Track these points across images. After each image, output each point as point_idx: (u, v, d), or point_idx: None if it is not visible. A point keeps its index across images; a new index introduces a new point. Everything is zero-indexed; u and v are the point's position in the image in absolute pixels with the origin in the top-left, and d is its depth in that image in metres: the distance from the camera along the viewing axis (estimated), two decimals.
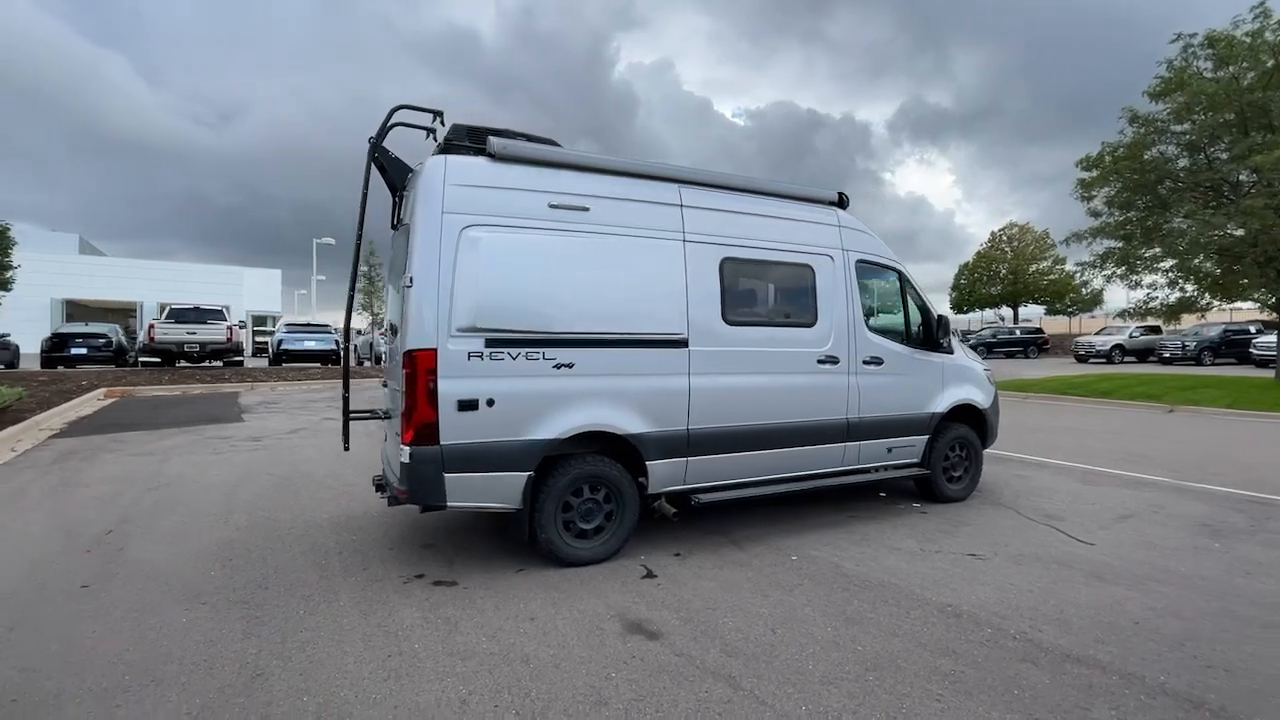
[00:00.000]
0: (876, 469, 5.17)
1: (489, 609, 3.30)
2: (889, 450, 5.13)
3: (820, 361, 4.73)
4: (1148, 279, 16.92)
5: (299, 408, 12.08)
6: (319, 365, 20.52)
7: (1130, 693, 2.56)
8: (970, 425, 5.64)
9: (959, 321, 44.84)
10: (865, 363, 4.95)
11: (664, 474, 4.15)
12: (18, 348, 19.47)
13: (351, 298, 4.12)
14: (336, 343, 22.16)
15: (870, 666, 2.75)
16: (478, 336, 3.61)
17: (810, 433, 4.67)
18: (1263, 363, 20.73)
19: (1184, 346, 24.61)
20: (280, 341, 21.17)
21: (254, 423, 10.12)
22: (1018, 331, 34.63)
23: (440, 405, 3.50)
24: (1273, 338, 19.40)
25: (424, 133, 4.19)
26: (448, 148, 3.84)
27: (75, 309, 36.79)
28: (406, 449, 3.51)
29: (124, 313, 37.63)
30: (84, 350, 18.22)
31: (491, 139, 3.81)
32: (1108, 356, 26.49)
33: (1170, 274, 16.46)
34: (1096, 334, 29.59)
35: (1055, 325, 42.55)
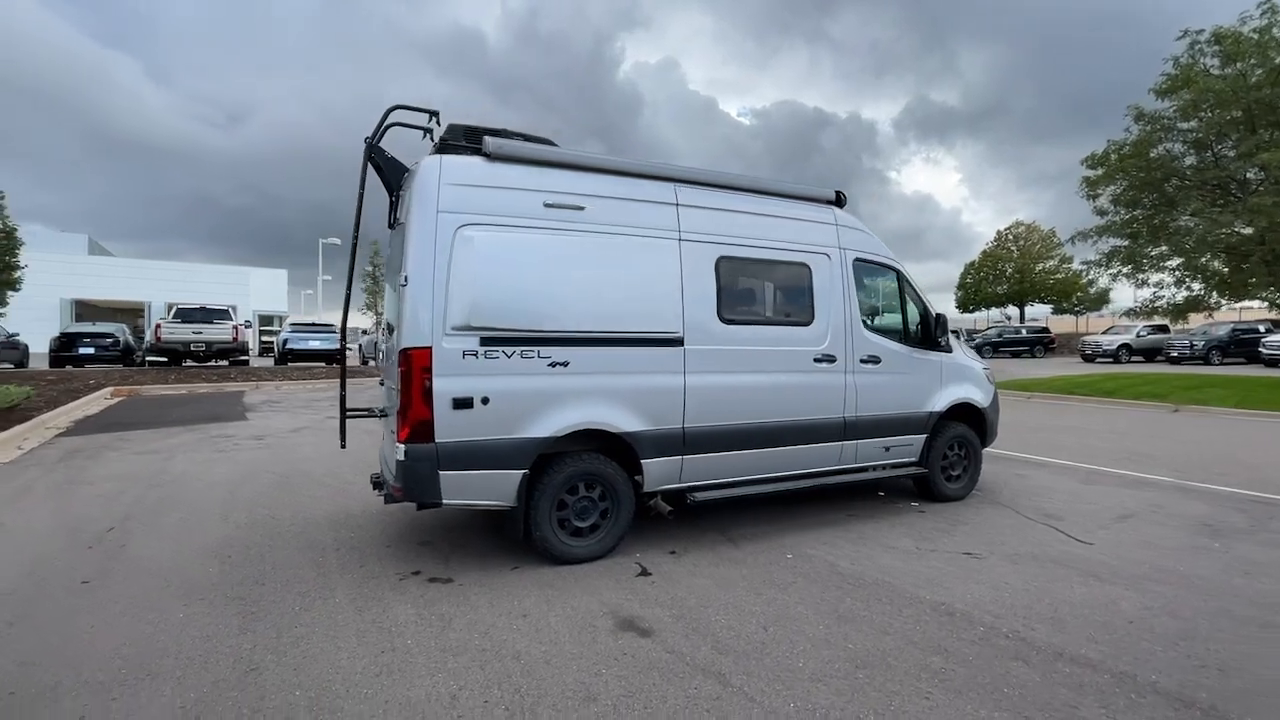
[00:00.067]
0: (874, 468, 5.17)
1: (483, 606, 3.32)
2: (887, 449, 5.12)
3: (817, 360, 4.73)
4: (1154, 278, 16.84)
5: (303, 407, 12.15)
6: (324, 365, 20.62)
7: (1120, 691, 2.56)
8: (969, 424, 5.62)
9: (965, 321, 44.65)
10: (862, 361, 4.94)
11: (659, 472, 4.16)
12: (26, 347, 19.64)
13: (348, 297, 4.15)
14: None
15: (860, 664, 2.75)
16: (473, 335, 3.63)
17: (807, 431, 4.67)
18: (1272, 362, 20.56)
19: (1192, 346, 24.40)
20: (285, 341, 21.30)
21: (257, 421, 10.19)
22: (1024, 331, 34.45)
23: (435, 403, 3.52)
24: None
25: (421, 133, 4.22)
26: (444, 147, 3.86)
27: (84, 309, 37.10)
28: (402, 447, 3.53)
29: (132, 313, 37.94)
30: (92, 350, 18.38)
31: (487, 139, 3.83)
32: (1115, 356, 26.31)
33: (1177, 273, 16.37)
34: (1103, 333, 29.41)
35: (1062, 325, 42.28)
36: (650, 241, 4.18)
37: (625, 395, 4.01)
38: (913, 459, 5.30)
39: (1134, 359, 26.23)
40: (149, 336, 19.58)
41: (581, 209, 3.98)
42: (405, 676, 2.62)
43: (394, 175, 4.13)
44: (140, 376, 15.93)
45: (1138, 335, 26.80)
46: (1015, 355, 31.94)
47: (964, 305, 46.14)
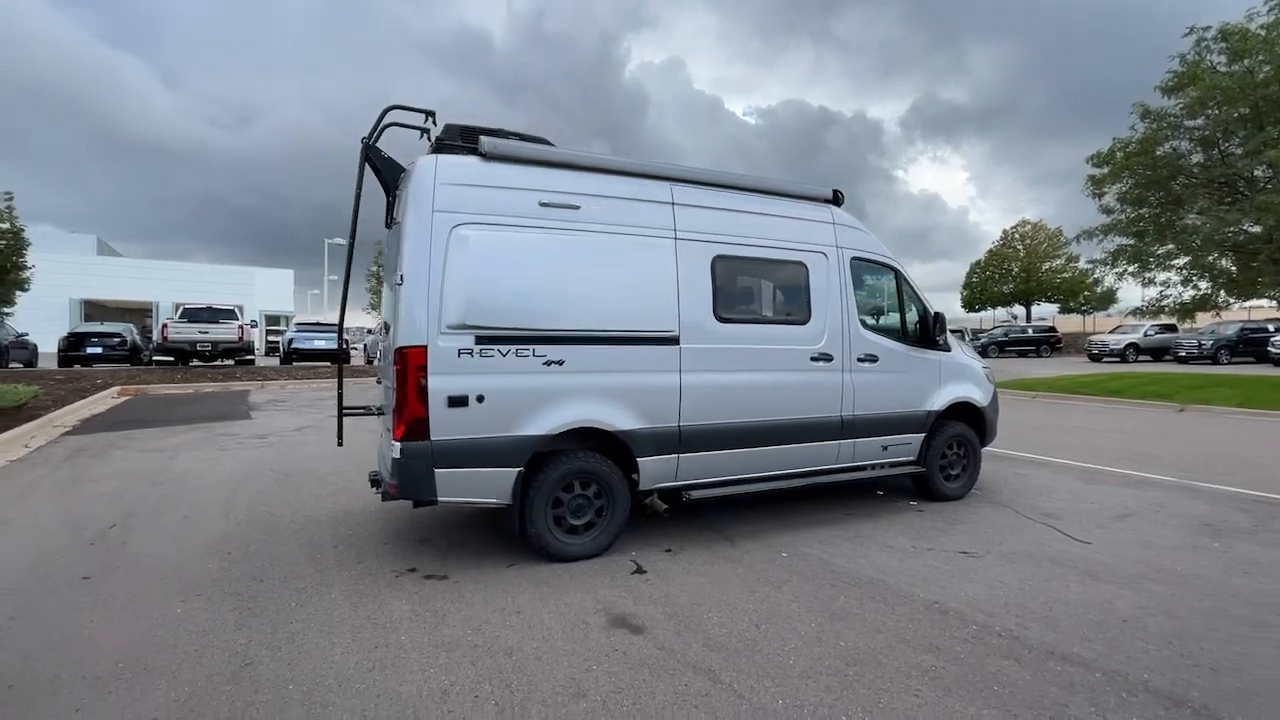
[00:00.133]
0: (872, 467, 5.16)
1: (477, 602, 3.34)
2: (884, 448, 5.11)
3: (814, 359, 4.73)
4: (1161, 276, 16.72)
5: (307, 405, 12.23)
6: (328, 364, 20.73)
7: (1111, 690, 2.55)
8: (968, 423, 5.61)
9: (971, 320, 44.44)
10: (860, 360, 4.94)
11: (655, 470, 4.17)
12: (36, 347, 19.85)
13: (345, 296, 4.18)
14: (347, 341, 22.43)
15: (851, 662, 2.76)
16: (468, 333, 3.65)
17: (804, 430, 4.67)
18: None
19: (1200, 345, 24.21)
20: (291, 341, 21.44)
21: (261, 420, 10.26)
22: (1030, 330, 34.25)
23: (431, 401, 3.55)
24: None
25: (419, 133, 4.24)
26: (441, 147, 3.89)
27: (93, 309, 37.45)
28: (398, 444, 3.56)
29: (140, 312, 38.25)
30: (100, 349, 18.55)
31: (483, 138, 3.86)
32: (1122, 355, 26.14)
33: (1184, 271, 16.24)
34: (1110, 333, 29.22)
35: (1069, 324, 42.02)
36: (646, 240, 4.19)
37: (621, 394, 4.03)
38: (911, 458, 5.29)
39: (1141, 358, 26.05)
40: (156, 336, 19.73)
41: (577, 208, 4.00)
42: (397, 671, 2.64)
43: (391, 175, 4.15)
44: (147, 376, 16.07)
45: (1145, 335, 26.61)
46: (1021, 355, 31.77)
47: (969, 304, 45.92)
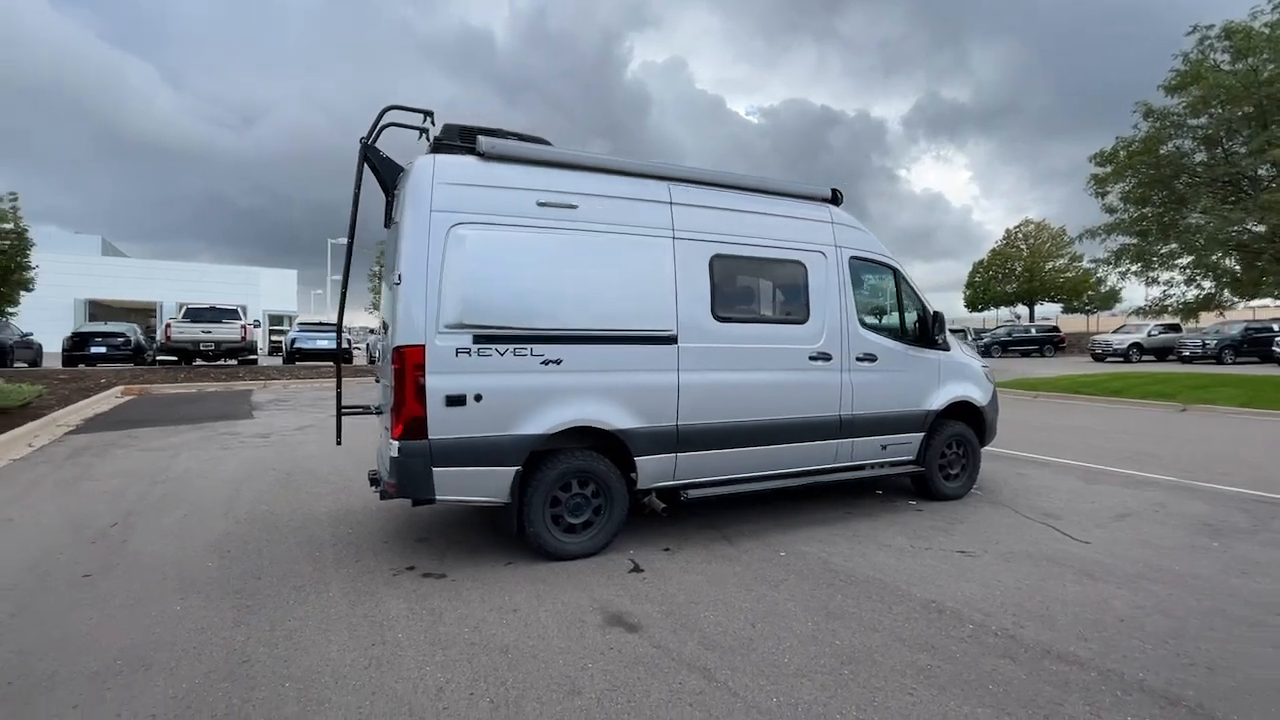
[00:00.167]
0: (871, 466, 5.16)
1: (474, 601, 3.35)
2: (883, 447, 5.11)
3: (812, 358, 4.73)
4: (1164, 276, 16.66)
5: (309, 405, 12.27)
6: (331, 364, 20.78)
7: (1106, 689, 2.55)
8: (967, 423, 5.60)
9: (973, 320, 44.35)
10: (858, 359, 4.93)
11: (653, 469, 4.18)
12: (40, 346, 19.93)
13: (343, 296, 4.20)
14: (349, 341, 22.52)
15: (846, 660, 2.76)
16: (465, 333, 3.66)
17: (802, 429, 4.68)
18: None
19: (1204, 345, 24.13)
20: (294, 340, 21.50)
21: (263, 419, 10.30)
22: (1033, 330, 34.18)
23: (428, 400, 3.56)
24: None
25: (418, 133, 4.25)
26: (439, 147, 3.91)
27: (97, 309, 37.56)
28: (396, 443, 3.57)
29: (145, 312, 38.36)
30: (103, 349, 18.63)
31: (481, 138, 3.87)
32: (1125, 355, 26.06)
33: (1187, 271, 16.18)
34: (1114, 332, 29.13)
35: (1073, 323, 41.93)
36: (644, 240, 4.20)
37: (618, 393, 4.04)
38: (910, 457, 5.29)
39: (1145, 358, 25.96)
40: (159, 336, 19.81)
41: (575, 207, 4.01)
42: (393, 669, 2.65)
43: (389, 175, 4.17)
44: (150, 375, 16.13)
45: (1149, 334, 26.52)
46: (1025, 354, 31.69)
47: (972, 304, 45.83)
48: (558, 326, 3.88)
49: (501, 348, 3.74)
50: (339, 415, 4.26)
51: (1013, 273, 43.45)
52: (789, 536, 4.45)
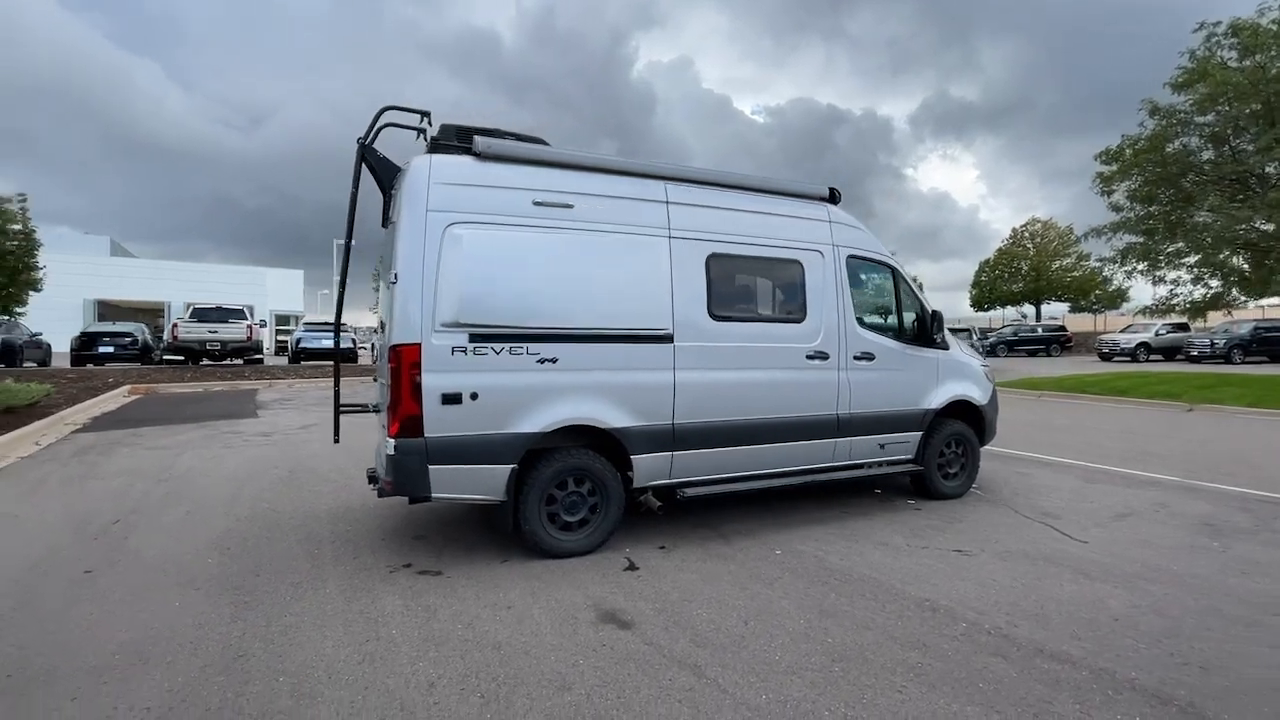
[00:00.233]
0: (869, 465, 5.15)
1: (469, 597, 3.37)
2: (881, 446, 5.10)
3: (809, 357, 4.73)
4: (1171, 275, 16.54)
5: (313, 404, 12.35)
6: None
7: (1098, 688, 2.54)
8: (967, 422, 5.58)
9: (980, 319, 44.14)
10: (856, 358, 4.93)
11: (649, 468, 4.19)
12: (49, 346, 20.14)
13: (341, 296, 4.23)
14: (354, 341, 22.65)
15: (837, 658, 2.77)
16: (461, 332, 3.69)
17: (799, 428, 4.68)
18: None
19: (1212, 344, 23.90)
20: (299, 340, 21.64)
21: (267, 418, 10.37)
22: (1039, 329, 33.99)
23: (424, 399, 3.58)
24: None
25: (415, 133, 4.28)
26: (436, 147, 3.93)
27: (106, 309, 37.92)
28: (392, 441, 3.60)
29: (153, 312, 38.71)
30: (111, 349, 18.80)
31: (477, 138, 3.89)
32: (1133, 355, 25.87)
33: (1195, 270, 16.05)
34: (1121, 332, 28.92)
35: (1080, 323, 41.65)
36: (640, 239, 4.21)
37: (614, 391, 4.05)
38: (908, 456, 5.28)
39: (1153, 358, 25.77)
40: (166, 336, 19.96)
41: (571, 207, 4.02)
42: (386, 664, 2.68)
43: (387, 175, 4.19)
44: (157, 375, 16.27)
45: (1157, 334, 26.32)
46: (1031, 354, 31.52)
47: (978, 303, 45.62)
48: (553, 325, 3.90)
49: (497, 346, 3.76)
50: (336, 413, 4.29)
51: (1019, 272, 43.22)
52: (785, 535, 4.45)
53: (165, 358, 19.55)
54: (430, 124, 4.09)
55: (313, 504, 5.23)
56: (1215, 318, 21.57)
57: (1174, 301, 16.62)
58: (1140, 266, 16.40)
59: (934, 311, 5.36)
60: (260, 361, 20.55)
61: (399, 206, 3.79)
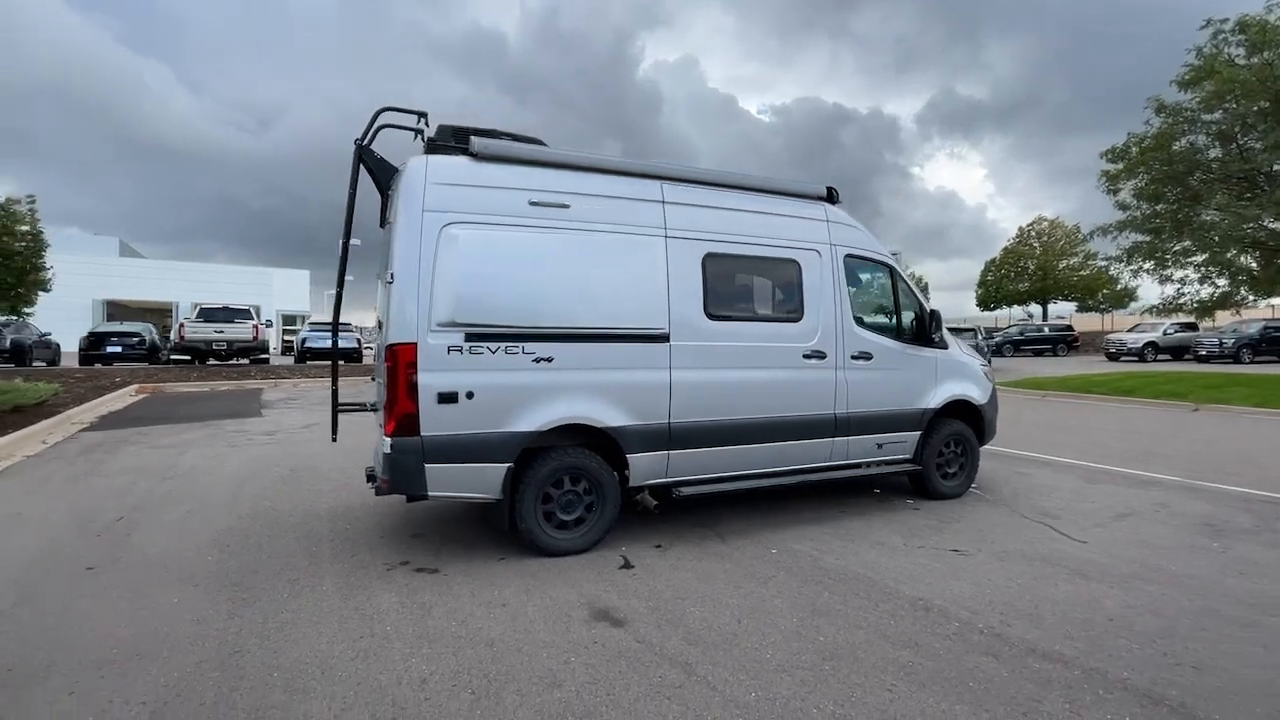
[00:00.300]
0: (867, 465, 5.15)
1: (464, 595, 3.39)
2: (879, 446, 5.10)
3: (806, 356, 4.73)
4: (1178, 274, 16.40)
5: (317, 404, 12.42)
6: (342, 362, 20.97)
7: (1089, 687, 2.54)
8: (966, 421, 5.57)
9: (986, 319, 43.90)
10: (853, 358, 4.93)
11: (645, 467, 4.20)
12: (58, 346, 20.33)
13: (339, 296, 4.27)
14: (359, 340, 22.75)
15: (828, 656, 2.77)
16: (457, 331, 3.71)
17: (796, 427, 4.68)
18: None
19: (1221, 344, 23.69)
20: (304, 339, 21.75)
21: (272, 417, 10.44)
22: (1046, 329, 33.78)
23: (420, 397, 3.61)
24: None
25: (413, 134, 4.30)
26: (433, 148, 3.96)
27: (115, 309, 38.21)
28: (388, 440, 3.63)
29: (161, 312, 38.99)
30: (119, 348, 18.95)
31: (473, 139, 3.91)
32: (1140, 354, 25.69)
33: (1202, 269, 15.92)
34: (1128, 331, 28.71)
35: (1087, 322, 41.36)
36: (636, 239, 4.22)
37: (610, 390, 4.06)
38: (906, 456, 5.27)
39: (1161, 357, 25.58)
40: (173, 335, 20.13)
41: (566, 207, 4.04)
42: (380, 660, 2.70)
43: (384, 175, 4.22)
44: (164, 374, 16.40)
45: (1164, 333, 26.12)
46: (1037, 354, 31.34)
47: (984, 303, 45.36)
48: (549, 325, 3.92)
49: (493, 345, 3.78)
50: (335, 412, 4.33)
51: (1025, 271, 42.96)
52: (782, 534, 4.46)
53: (172, 357, 19.70)
54: (427, 125, 4.11)
55: (313, 502, 5.26)
56: (1224, 317, 21.38)
57: (1181, 301, 16.48)
58: (1147, 266, 16.28)
59: (932, 311, 5.35)
60: (266, 361, 20.68)
61: (396, 207, 3.81)
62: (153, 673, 2.59)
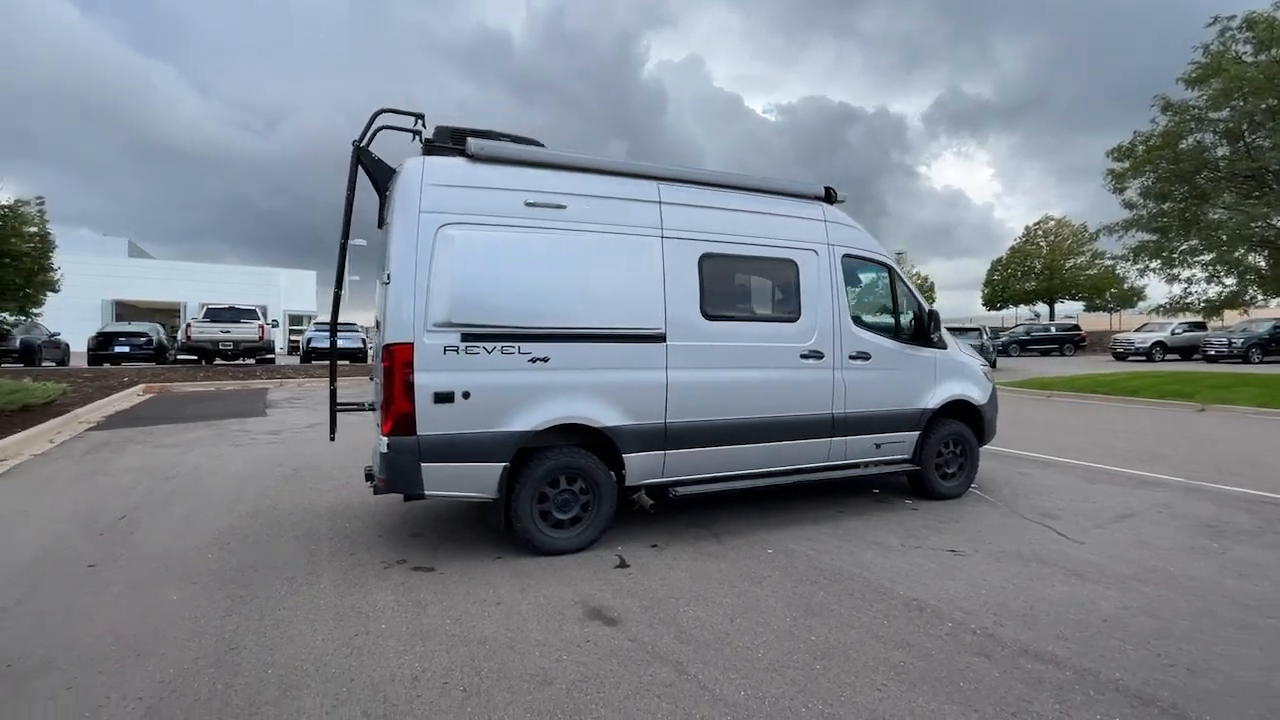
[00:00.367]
0: (865, 465, 5.14)
1: (460, 594, 3.42)
2: (877, 446, 5.09)
3: (803, 356, 4.73)
4: (1185, 273, 16.27)
5: (321, 403, 12.43)
6: (347, 362, 21.11)
7: (1080, 688, 2.54)
8: (965, 422, 5.55)
9: (992, 319, 43.68)
10: (851, 358, 4.92)
11: (641, 467, 4.21)
12: (68, 346, 20.54)
13: (338, 296, 4.30)
14: (364, 340, 22.85)
15: (819, 656, 2.78)
16: (453, 331, 3.73)
17: (793, 428, 4.68)
18: None
19: (1230, 344, 23.45)
20: (310, 340, 21.89)
21: (276, 417, 10.52)
22: (1053, 328, 33.58)
23: (417, 397, 3.63)
24: None
25: (411, 135, 4.33)
26: (430, 149, 3.98)
27: (124, 309, 38.57)
28: (385, 439, 3.66)
29: (169, 312, 39.32)
30: (127, 348, 19.13)
31: (469, 140, 3.94)
32: (1148, 354, 25.47)
33: (1210, 268, 15.79)
34: (1136, 331, 28.50)
35: (1095, 322, 41.10)
36: (632, 239, 4.24)
37: (606, 390, 4.08)
38: (905, 456, 5.26)
39: (1169, 357, 25.36)
40: (180, 335, 20.29)
41: (563, 208, 4.06)
42: (373, 657, 2.73)
43: (382, 177, 4.25)
44: (171, 374, 16.53)
45: (1173, 333, 25.90)
46: (1044, 353, 31.15)
47: (990, 302, 45.15)
48: (545, 325, 3.93)
49: (489, 346, 3.80)
50: (333, 411, 4.36)
51: (1032, 271, 42.73)
52: (778, 534, 4.46)
53: (179, 357, 19.87)
54: (424, 126, 4.14)
55: (314, 501, 5.31)
56: (1232, 317, 21.19)
57: (1188, 300, 16.35)
58: (1153, 265, 16.17)
59: (931, 310, 5.34)
60: (272, 361, 20.82)
61: (392, 208, 3.84)
62: (149, 669, 2.63)
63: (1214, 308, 16.33)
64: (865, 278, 5.37)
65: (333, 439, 4.49)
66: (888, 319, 5.33)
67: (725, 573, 3.75)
